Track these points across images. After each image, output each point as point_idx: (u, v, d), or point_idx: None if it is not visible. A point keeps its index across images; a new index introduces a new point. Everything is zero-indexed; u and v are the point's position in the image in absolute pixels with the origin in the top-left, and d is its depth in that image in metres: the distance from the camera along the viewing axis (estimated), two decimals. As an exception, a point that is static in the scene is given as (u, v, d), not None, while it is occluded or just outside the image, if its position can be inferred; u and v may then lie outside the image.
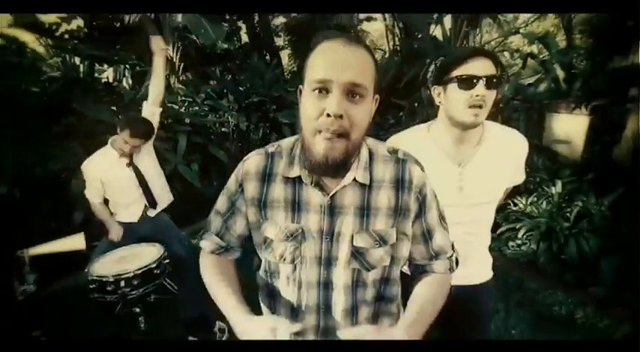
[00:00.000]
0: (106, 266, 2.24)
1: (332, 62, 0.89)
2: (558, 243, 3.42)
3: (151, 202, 2.82)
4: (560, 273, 3.36)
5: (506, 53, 6.66)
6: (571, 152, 4.73)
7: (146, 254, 2.35)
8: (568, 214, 3.60)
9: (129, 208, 2.80)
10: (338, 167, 0.94)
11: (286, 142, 1.10)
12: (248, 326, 0.94)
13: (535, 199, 4.05)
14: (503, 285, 3.27)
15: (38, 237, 2.21)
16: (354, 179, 1.02)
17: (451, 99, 1.40)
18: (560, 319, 2.87)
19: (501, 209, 4.26)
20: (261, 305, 1.21)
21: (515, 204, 4.14)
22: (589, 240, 3.31)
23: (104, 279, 2.11)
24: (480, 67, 1.34)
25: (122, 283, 2.12)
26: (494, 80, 1.34)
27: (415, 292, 1.09)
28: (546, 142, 5.07)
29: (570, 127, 4.78)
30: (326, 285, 1.07)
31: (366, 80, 0.90)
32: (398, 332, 0.92)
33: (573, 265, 3.32)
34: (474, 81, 1.33)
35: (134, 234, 2.75)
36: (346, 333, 0.91)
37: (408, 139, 1.56)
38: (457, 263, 1.18)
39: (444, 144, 1.51)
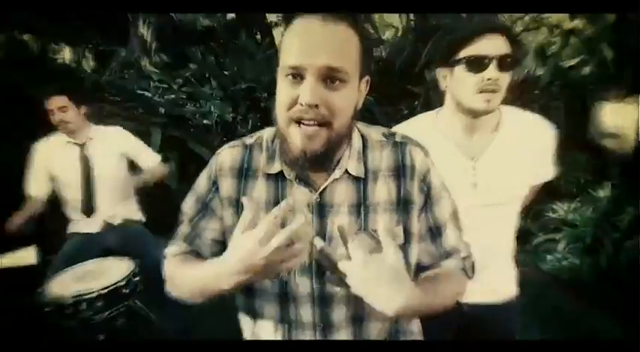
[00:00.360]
0: (65, 284, 2.20)
1: (306, 44, 0.89)
2: (607, 257, 3.41)
3: (86, 205, 2.79)
4: (608, 294, 3.35)
5: (543, 29, 6.62)
6: (622, 147, 4.73)
7: (114, 270, 2.33)
8: (618, 222, 3.59)
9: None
10: (319, 160, 0.95)
11: (267, 133, 1.12)
12: (227, 266, 0.87)
13: (578, 205, 4.04)
14: (538, 307, 3.26)
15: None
16: (346, 171, 1.02)
17: (459, 83, 1.40)
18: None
19: (537, 216, 4.26)
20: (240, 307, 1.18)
21: (555, 211, 4.13)
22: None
23: (61, 301, 2.07)
24: (492, 45, 1.33)
25: (83, 305, 2.08)
26: (509, 60, 1.34)
27: (426, 276, 1.09)
28: (592, 136, 5.07)
29: (621, 118, 4.78)
30: (322, 300, 1.04)
31: (347, 62, 0.90)
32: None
33: (625, 284, 3.31)
34: (485, 62, 1.33)
35: (97, 245, 2.74)
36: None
37: (411, 130, 1.47)
38: (473, 270, 1.16)
39: (454, 135, 1.50)
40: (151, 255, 2.63)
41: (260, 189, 1.05)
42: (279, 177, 1.04)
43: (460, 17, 6.45)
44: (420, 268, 1.12)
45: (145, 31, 6.77)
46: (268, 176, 1.05)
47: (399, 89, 6.36)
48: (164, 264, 1.15)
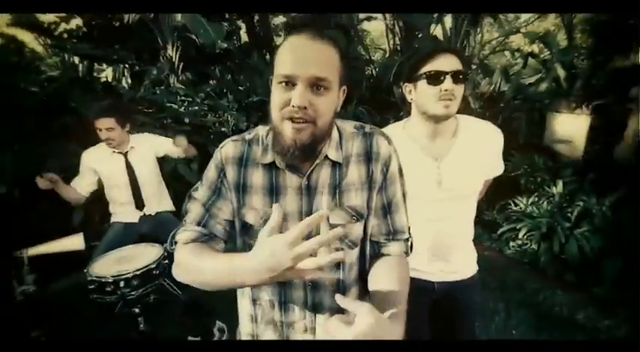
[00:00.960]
0: (106, 266, 2.23)
1: (297, 57, 0.94)
2: (559, 243, 3.42)
3: (138, 203, 2.83)
4: (561, 274, 3.36)
5: (507, 52, 6.66)
6: (572, 152, 4.74)
7: (146, 254, 2.34)
8: (569, 214, 3.60)
9: (125, 207, 2.81)
10: (306, 149, 0.98)
11: (262, 130, 1.13)
12: (254, 262, 0.85)
13: (536, 199, 4.05)
14: (503, 286, 3.26)
15: (37, 238, 2.21)
16: (326, 157, 1.06)
17: (422, 95, 1.46)
18: (561, 320, 2.87)
19: (502, 209, 4.27)
20: (241, 294, 1.19)
21: (516, 204, 4.14)
22: (590, 240, 3.31)
23: (103, 280, 2.10)
24: (446, 62, 1.41)
25: (121, 283, 2.10)
26: (461, 75, 1.41)
27: (377, 275, 1.09)
28: (547, 142, 5.07)
29: (571, 127, 4.78)
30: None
31: (330, 73, 0.95)
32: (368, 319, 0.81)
33: (574, 265, 3.32)
34: (442, 77, 1.40)
35: (135, 232, 2.76)
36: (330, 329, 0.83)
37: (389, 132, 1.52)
38: (411, 249, 1.18)
39: (420, 140, 1.55)
40: None
41: (257, 176, 1.07)
42: (272, 166, 1.07)
43: (439, 43, 6.46)
44: (372, 242, 1.15)
45: (172, 52, 6.78)
46: (263, 165, 1.07)
47: (386, 102, 6.37)
48: (175, 250, 1.11)
